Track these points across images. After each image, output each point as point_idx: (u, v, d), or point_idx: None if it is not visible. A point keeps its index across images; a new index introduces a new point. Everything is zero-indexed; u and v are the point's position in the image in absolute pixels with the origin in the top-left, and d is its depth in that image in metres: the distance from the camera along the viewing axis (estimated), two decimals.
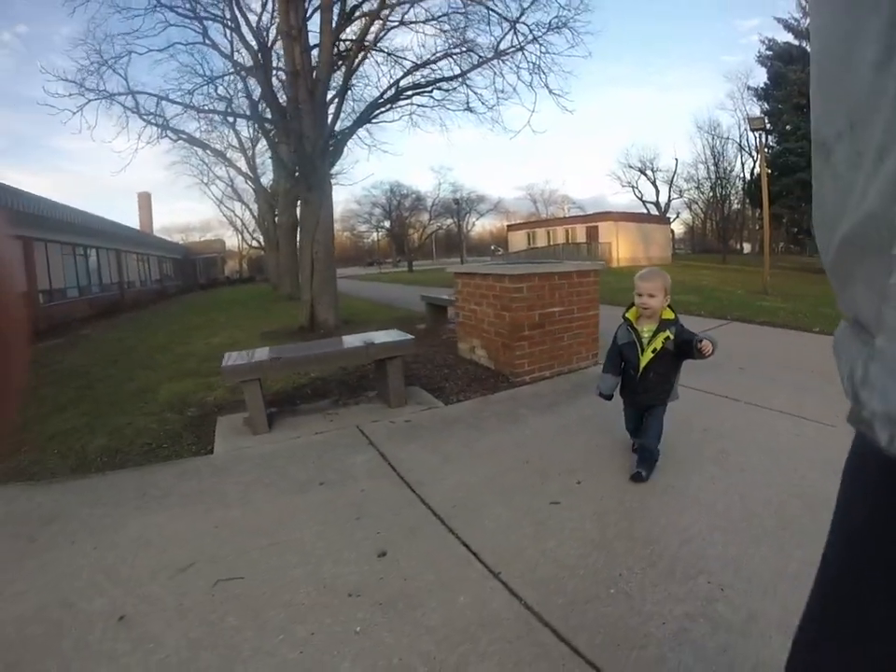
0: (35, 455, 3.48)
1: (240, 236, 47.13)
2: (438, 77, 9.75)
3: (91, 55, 9.41)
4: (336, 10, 8.01)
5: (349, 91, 8.84)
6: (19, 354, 0.34)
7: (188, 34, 9.89)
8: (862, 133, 0.33)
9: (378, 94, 9.05)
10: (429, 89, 9.95)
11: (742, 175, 37.85)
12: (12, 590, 2.01)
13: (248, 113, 9.31)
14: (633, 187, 45.68)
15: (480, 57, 9.30)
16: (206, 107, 11.23)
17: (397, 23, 8.95)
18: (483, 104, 9.83)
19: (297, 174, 8.42)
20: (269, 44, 9.60)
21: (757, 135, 14.47)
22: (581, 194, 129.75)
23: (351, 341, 4.10)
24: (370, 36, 8.72)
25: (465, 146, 38.75)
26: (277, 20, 8.49)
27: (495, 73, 9.54)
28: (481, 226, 64.83)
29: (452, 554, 2.07)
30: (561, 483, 2.61)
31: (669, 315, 2.55)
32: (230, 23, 9.33)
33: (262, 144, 26.60)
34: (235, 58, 10.07)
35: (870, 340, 0.35)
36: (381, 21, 8.67)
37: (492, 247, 67.24)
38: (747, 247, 41.67)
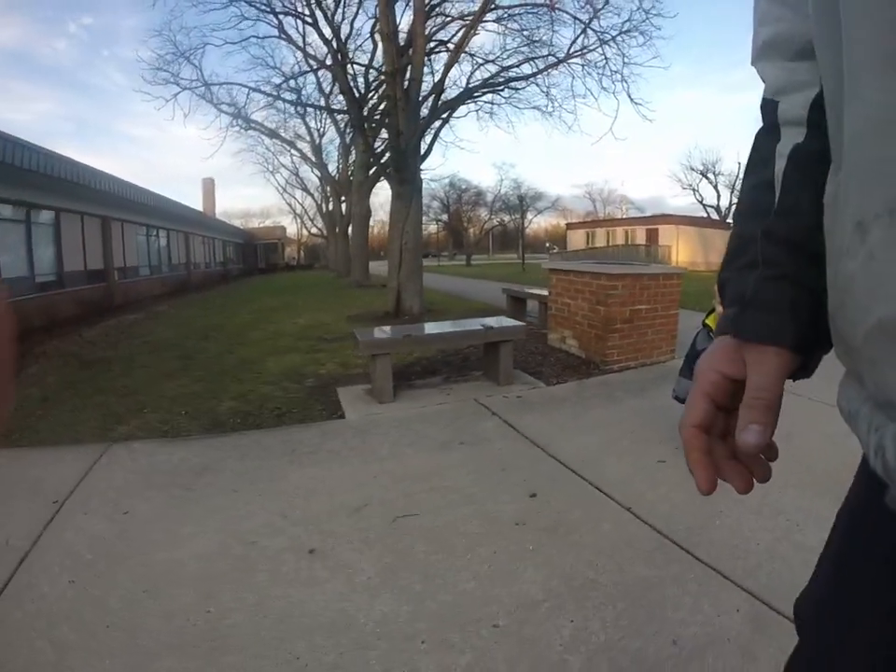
0: (160, 414, 3.92)
1: (299, 223, 48.73)
2: (512, 76, 10.21)
3: (168, 46, 10.30)
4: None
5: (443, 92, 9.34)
6: (7, 341, 0.39)
7: (261, 27, 10.70)
8: None
9: (459, 92, 9.59)
10: (501, 88, 10.43)
11: None
12: (185, 532, 2.28)
13: (346, 108, 9.90)
14: (694, 189, 44.88)
15: (554, 58, 9.69)
16: (293, 99, 12.03)
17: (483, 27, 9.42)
18: (554, 103, 10.21)
19: (386, 168, 8.98)
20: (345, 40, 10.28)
21: None
22: (639, 194, 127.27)
23: (467, 324, 4.63)
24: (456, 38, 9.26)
25: (526, 143, 39.02)
26: (364, 20, 9.10)
27: (573, 76, 9.89)
28: (536, 223, 64.58)
29: (590, 495, 2.55)
30: (662, 448, 3.04)
31: None
32: (308, 19, 9.98)
33: (329, 134, 27.45)
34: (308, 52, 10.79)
35: None
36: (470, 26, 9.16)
37: (546, 245, 67.02)
38: None
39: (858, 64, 0.35)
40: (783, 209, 0.51)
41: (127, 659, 1.56)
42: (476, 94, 10.45)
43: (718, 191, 43.34)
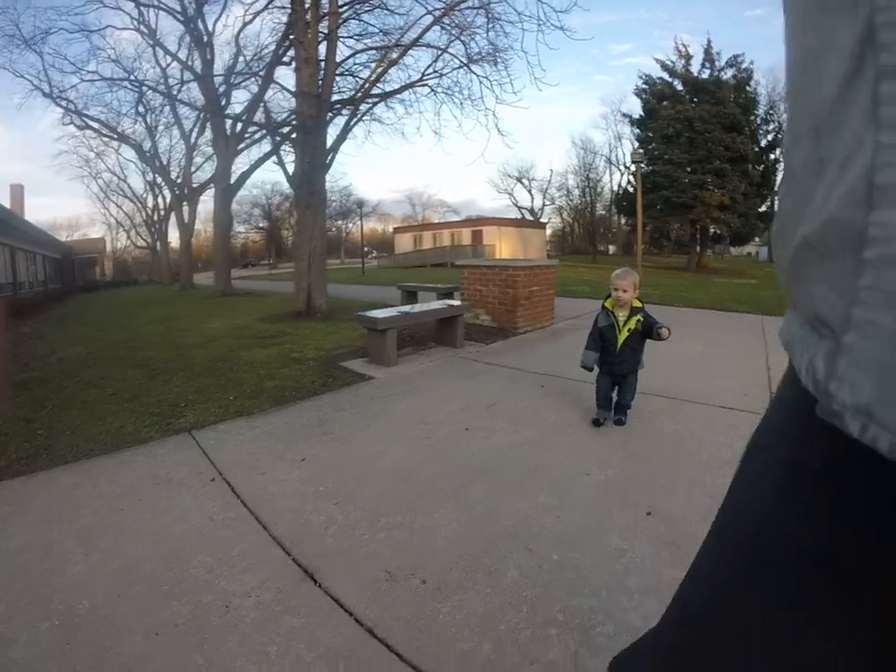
0: (209, 405, 4.23)
1: (114, 234, 45.18)
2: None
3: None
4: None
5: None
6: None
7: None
8: (827, 142, 0.34)
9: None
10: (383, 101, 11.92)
11: (610, 187, 43.94)
12: (372, 451, 3.13)
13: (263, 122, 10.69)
14: (509, 193, 50.81)
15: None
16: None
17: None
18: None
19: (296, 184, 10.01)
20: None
21: (635, 165, 18.19)
22: (454, 198, 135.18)
23: (435, 305, 6.21)
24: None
25: (345, 149, 40.46)
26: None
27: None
28: (356, 228, 66.23)
29: (554, 380, 4.35)
30: (558, 362, 4.32)
31: (637, 304, 3.32)
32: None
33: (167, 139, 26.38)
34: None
35: (828, 333, 0.36)
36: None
37: (364, 248, 68.87)
38: (612, 249, 47.76)
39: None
40: None
41: (409, 497, 2.97)
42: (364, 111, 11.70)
43: (531, 195, 49.50)
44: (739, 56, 28.83)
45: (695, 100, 27.44)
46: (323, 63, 9.63)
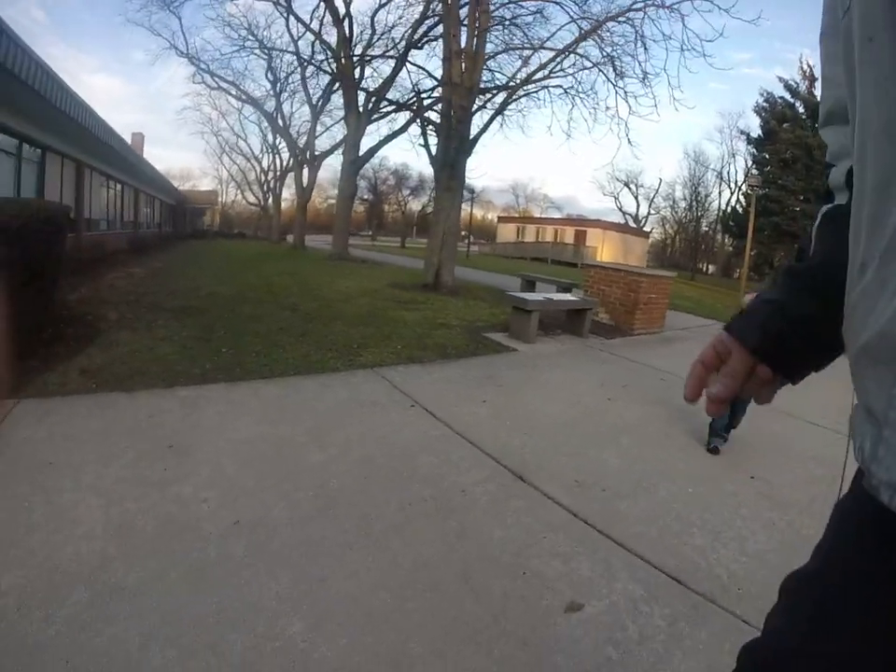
0: (381, 349, 5.03)
1: (224, 189, 48.69)
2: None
3: None
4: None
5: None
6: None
7: None
8: (888, 267, 0.41)
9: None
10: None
11: (718, 204, 42.53)
12: (542, 399, 4.47)
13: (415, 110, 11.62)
14: (614, 197, 50.18)
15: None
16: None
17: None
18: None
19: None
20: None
21: (751, 189, 17.85)
22: (556, 193, 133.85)
23: (569, 297, 6.89)
24: None
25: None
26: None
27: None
28: (464, 212, 67.33)
29: (666, 376, 4.91)
30: (679, 359, 5.46)
31: None
32: None
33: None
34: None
35: (875, 423, 0.44)
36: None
37: (463, 233, 69.71)
38: (711, 268, 46.19)
39: (867, 129, 0.44)
40: (805, 252, 0.67)
41: (576, 439, 3.69)
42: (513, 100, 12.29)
43: (637, 201, 48.49)
44: None
45: (816, 126, 26.11)
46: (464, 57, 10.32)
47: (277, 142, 33.38)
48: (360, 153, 17.94)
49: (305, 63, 19.97)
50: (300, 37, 19.99)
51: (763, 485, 2.96)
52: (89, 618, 1.54)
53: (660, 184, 49.32)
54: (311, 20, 18.17)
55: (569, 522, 2.34)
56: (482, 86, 11.00)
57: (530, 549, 2.09)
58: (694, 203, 43.38)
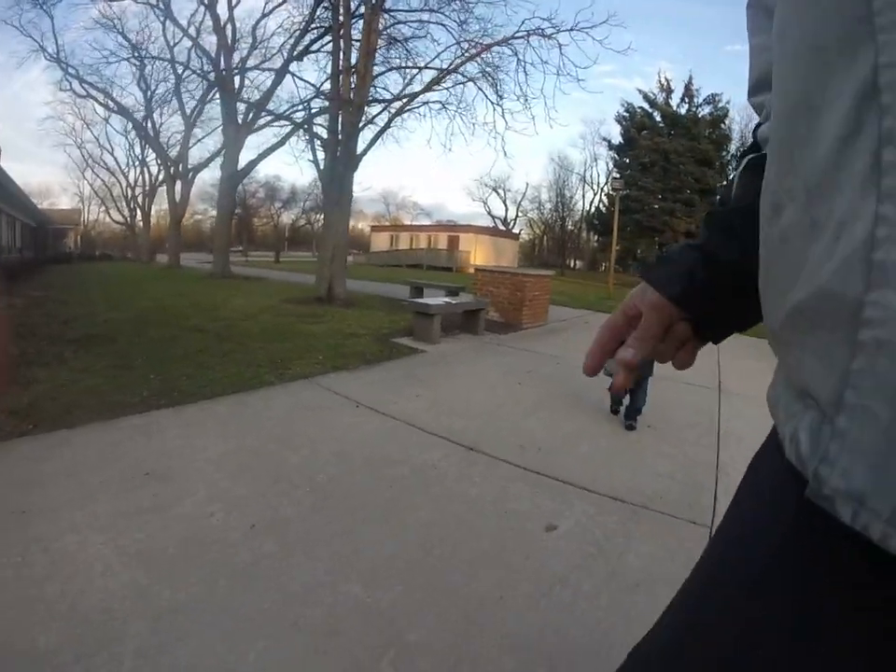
0: (305, 361, 5.30)
1: (86, 207, 44.69)
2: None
3: None
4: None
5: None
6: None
7: None
8: (819, 205, 0.32)
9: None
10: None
11: (583, 204, 46.35)
12: (470, 382, 5.14)
13: (303, 126, 11.69)
14: (483, 202, 52.80)
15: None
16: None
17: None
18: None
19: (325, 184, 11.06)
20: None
21: (615, 192, 20.06)
22: (426, 200, 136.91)
23: (465, 300, 7.50)
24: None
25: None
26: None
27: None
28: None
29: (552, 358, 5.72)
30: (576, 351, 6.36)
31: None
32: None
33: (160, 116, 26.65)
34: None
35: (813, 405, 0.35)
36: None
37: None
38: (578, 264, 50.02)
39: (785, 56, 0.38)
40: (726, 200, 0.59)
41: (508, 414, 4.27)
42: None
43: (506, 205, 51.37)
44: (717, 95, 31.56)
45: (672, 133, 29.77)
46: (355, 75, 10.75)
47: (146, 154, 31.39)
48: (239, 167, 17.57)
49: (183, 72, 19.18)
50: (175, 44, 19.20)
51: (659, 431, 3.74)
52: (159, 642, 1.61)
53: (527, 188, 52.77)
54: (188, 25, 17.62)
55: (523, 474, 2.90)
56: (368, 102, 11.40)
57: (502, 497, 2.62)
58: (560, 205, 47.04)
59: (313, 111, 12.52)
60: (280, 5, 16.66)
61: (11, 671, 1.54)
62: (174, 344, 5.86)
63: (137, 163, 32.94)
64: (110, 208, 41.62)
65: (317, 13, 14.07)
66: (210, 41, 17.10)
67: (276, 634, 1.67)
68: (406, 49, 12.21)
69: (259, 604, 1.80)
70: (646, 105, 32.78)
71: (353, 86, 10.64)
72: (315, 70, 18.76)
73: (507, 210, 52.03)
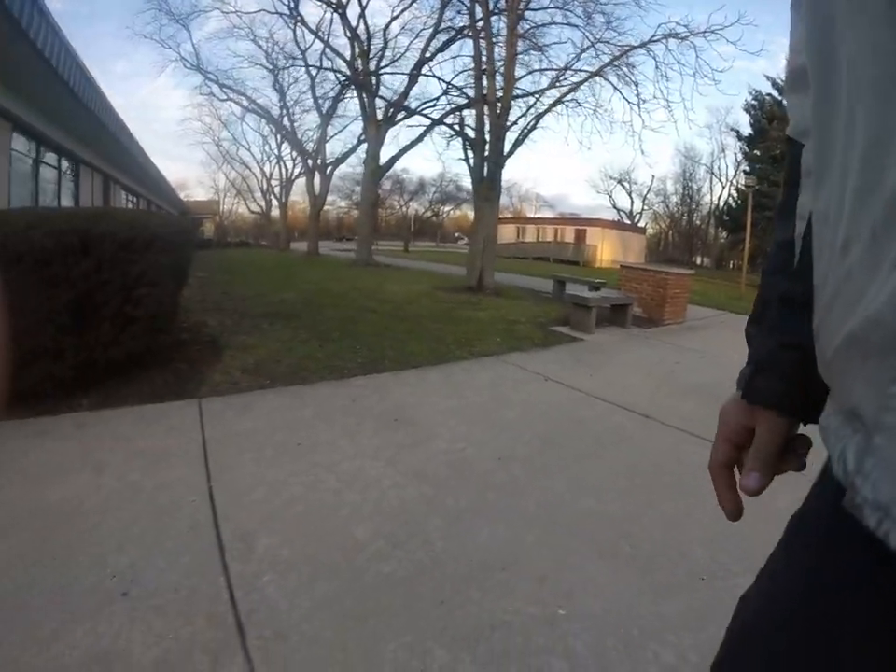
0: (485, 343, 6.19)
1: (222, 198, 49.86)
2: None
3: None
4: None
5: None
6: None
7: None
8: (883, 244, 0.34)
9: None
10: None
11: (710, 198, 44.51)
12: (629, 358, 5.98)
13: (458, 129, 12.94)
14: (608, 194, 52.27)
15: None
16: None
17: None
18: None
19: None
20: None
21: (747, 188, 19.52)
22: (547, 191, 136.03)
23: (614, 294, 8.30)
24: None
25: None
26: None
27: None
28: (452, 213, 68.50)
29: (697, 351, 6.33)
30: (719, 347, 6.87)
31: None
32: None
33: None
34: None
35: (861, 428, 0.38)
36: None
37: (455, 234, 71.83)
38: (705, 261, 48.13)
39: (851, 89, 0.37)
40: (800, 271, 0.55)
41: (668, 393, 5.11)
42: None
43: (631, 198, 50.39)
44: None
45: None
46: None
47: (281, 149, 34.75)
48: (381, 162, 19.17)
49: (317, 74, 21.33)
50: (307, 49, 21.42)
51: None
52: (457, 531, 2.26)
53: (652, 180, 51.28)
54: (317, 30, 19.52)
55: (689, 437, 3.71)
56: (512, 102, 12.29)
57: (676, 450, 3.49)
58: (686, 198, 45.38)
59: (462, 113, 13.58)
60: (408, 7, 18.14)
61: (334, 557, 2.08)
62: (356, 322, 6.83)
63: (273, 158, 36.33)
64: (247, 199, 45.90)
65: (445, 15, 15.22)
66: (338, 43, 18.87)
67: (542, 528, 2.37)
68: (545, 54, 12.91)
69: (525, 509, 2.54)
70: (775, 93, 30.83)
71: (498, 87, 11.56)
72: (450, 71, 19.67)
73: (632, 203, 51.06)
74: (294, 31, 20.50)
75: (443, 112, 15.43)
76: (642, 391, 4.82)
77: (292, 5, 18.67)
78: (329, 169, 26.05)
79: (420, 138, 17.58)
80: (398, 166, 19.08)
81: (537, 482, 2.88)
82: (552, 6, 11.83)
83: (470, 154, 12.33)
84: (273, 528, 2.25)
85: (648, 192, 50.10)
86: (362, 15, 18.30)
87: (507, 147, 11.82)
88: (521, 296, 11.37)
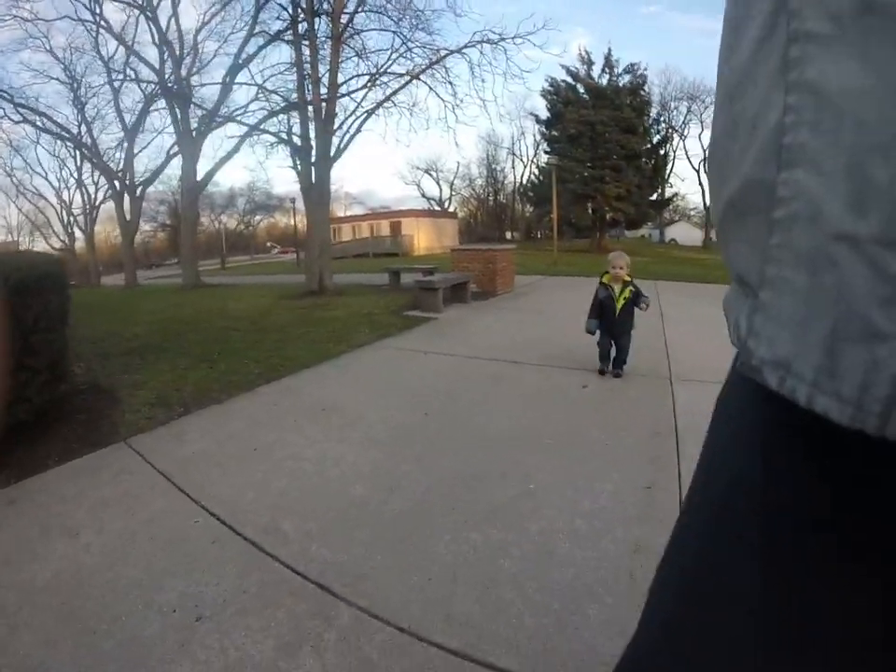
0: (356, 336, 7.19)
1: (21, 236, 43.43)
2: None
3: None
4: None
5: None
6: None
7: None
8: (739, 104, 0.35)
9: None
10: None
11: (514, 177, 48.49)
12: (481, 330, 6.97)
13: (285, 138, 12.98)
14: (416, 184, 54.56)
15: None
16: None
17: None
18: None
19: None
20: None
21: (550, 165, 22.11)
22: (354, 188, 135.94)
23: (453, 275, 9.31)
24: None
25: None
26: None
27: None
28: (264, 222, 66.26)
29: (519, 308, 7.67)
30: (550, 306, 8.32)
31: (628, 278, 4.44)
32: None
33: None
34: None
35: (752, 293, 0.36)
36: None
37: (268, 244, 69.89)
38: (515, 235, 52.45)
39: None
40: None
41: (524, 343, 6.17)
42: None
43: (440, 185, 53.06)
44: (635, 64, 33.99)
45: (596, 104, 32.03)
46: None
47: (82, 173, 30.92)
48: (198, 178, 18.23)
49: (121, 85, 19.73)
50: (110, 58, 19.64)
51: None
52: (423, 466, 3.40)
53: (458, 167, 54.49)
54: (122, 36, 18.04)
55: (557, 368, 4.77)
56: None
57: (546, 377, 4.53)
58: (491, 179, 49.11)
59: (290, 122, 13.76)
60: (219, 12, 17.50)
61: (354, 512, 2.51)
62: (226, 341, 6.84)
63: (73, 184, 32.26)
64: (46, 235, 40.14)
65: (259, 18, 15.03)
66: (148, 53, 17.75)
67: (482, 440, 3.36)
68: (365, 60, 13.59)
69: (463, 436, 3.42)
70: (569, 79, 34.93)
71: (323, 95, 12.02)
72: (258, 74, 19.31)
73: (441, 190, 54.05)
74: (96, 38, 18.72)
75: (261, 118, 15.19)
76: (502, 347, 5.85)
77: (97, 10, 17.06)
78: (139, 189, 23.79)
79: (236, 148, 16.83)
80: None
81: (466, 419, 3.76)
82: (367, 9, 12.58)
83: (297, 162, 12.64)
84: (288, 512, 2.58)
85: (454, 178, 53.47)
86: (174, 15, 17.26)
87: (333, 151, 12.33)
88: (362, 292, 11.96)
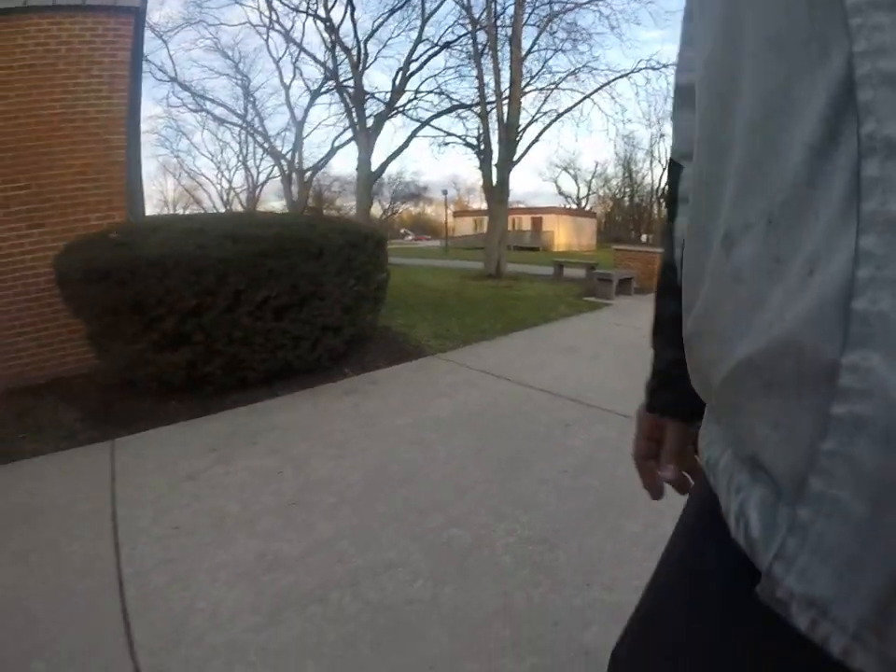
0: (548, 312, 9.42)
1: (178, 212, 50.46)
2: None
3: None
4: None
5: None
6: None
7: None
8: (785, 235, 0.27)
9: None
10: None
11: (651, 179, 49.06)
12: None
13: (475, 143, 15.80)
14: (554, 181, 56.38)
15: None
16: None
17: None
18: None
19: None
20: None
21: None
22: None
23: (619, 271, 11.51)
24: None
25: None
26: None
27: None
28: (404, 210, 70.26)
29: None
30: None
31: None
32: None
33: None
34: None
35: (768, 483, 0.31)
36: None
37: (401, 231, 74.13)
38: (650, 238, 52.67)
39: (741, 48, 0.33)
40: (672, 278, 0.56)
41: None
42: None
43: (577, 184, 54.49)
44: None
45: None
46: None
47: (246, 156, 36.05)
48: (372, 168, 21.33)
49: (291, 81, 23.36)
50: (280, 58, 23.66)
51: None
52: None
53: (596, 167, 55.22)
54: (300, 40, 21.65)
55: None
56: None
57: None
58: (627, 179, 49.77)
59: (479, 129, 16.41)
60: (391, 15, 20.12)
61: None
62: (446, 306, 8.55)
63: (231, 166, 37.30)
64: (207, 210, 46.37)
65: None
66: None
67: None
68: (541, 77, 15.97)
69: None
70: None
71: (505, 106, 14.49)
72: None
73: (578, 189, 55.02)
74: (266, 41, 22.52)
75: (431, 115, 18.10)
76: None
77: (275, 17, 21.01)
78: (307, 174, 27.54)
79: (405, 144, 19.93)
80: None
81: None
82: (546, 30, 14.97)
83: (480, 162, 15.31)
84: (581, 388, 5.17)
85: (592, 178, 54.40)
86: (354, 26, 20.30)
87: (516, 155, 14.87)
88: (534, 279, 14.14)
